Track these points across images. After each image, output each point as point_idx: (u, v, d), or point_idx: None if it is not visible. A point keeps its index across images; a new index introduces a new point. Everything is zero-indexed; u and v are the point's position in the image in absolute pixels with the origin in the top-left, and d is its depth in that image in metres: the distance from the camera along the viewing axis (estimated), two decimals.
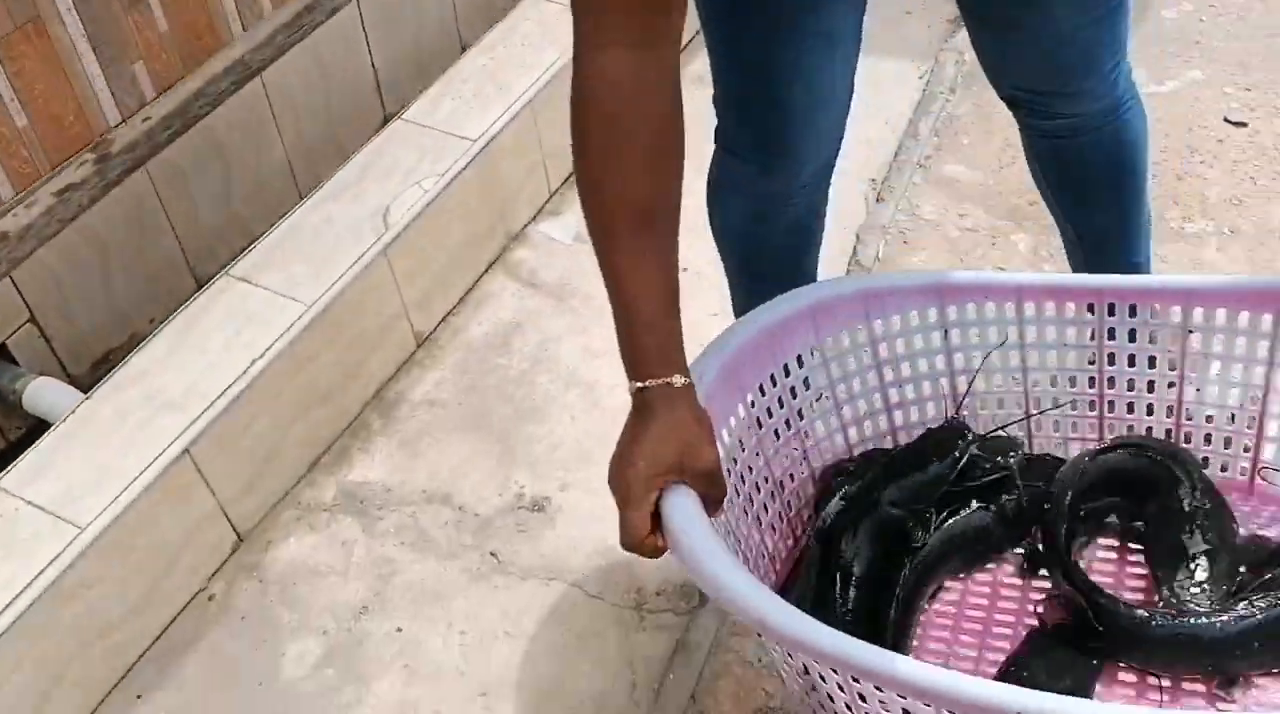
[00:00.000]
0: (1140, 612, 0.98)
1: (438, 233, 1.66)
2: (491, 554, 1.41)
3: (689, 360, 0.93)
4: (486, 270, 1.82)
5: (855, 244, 1.78)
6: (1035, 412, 1.15)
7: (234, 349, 1.39)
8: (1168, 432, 1.13)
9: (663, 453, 0.87)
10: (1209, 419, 1.12)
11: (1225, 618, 0.96)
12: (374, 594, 1.37)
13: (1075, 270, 1.38)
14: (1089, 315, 1.07)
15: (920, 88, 2.07)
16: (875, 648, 0.80)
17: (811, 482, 1.15)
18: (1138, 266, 1.35)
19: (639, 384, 0.88)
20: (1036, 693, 0.76)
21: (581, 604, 1.35)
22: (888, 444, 1.17)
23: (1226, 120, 1.93)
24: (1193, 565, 1.03)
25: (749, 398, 1.06)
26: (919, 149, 1.94)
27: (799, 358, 1.09)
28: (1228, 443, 1.12)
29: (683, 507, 0.88)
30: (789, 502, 1.13)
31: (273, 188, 1.76)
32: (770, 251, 1.33)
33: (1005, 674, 1.01)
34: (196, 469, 1.31)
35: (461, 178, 1.68)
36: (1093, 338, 1.10)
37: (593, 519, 1.44)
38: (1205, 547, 1.04)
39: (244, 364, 1.36)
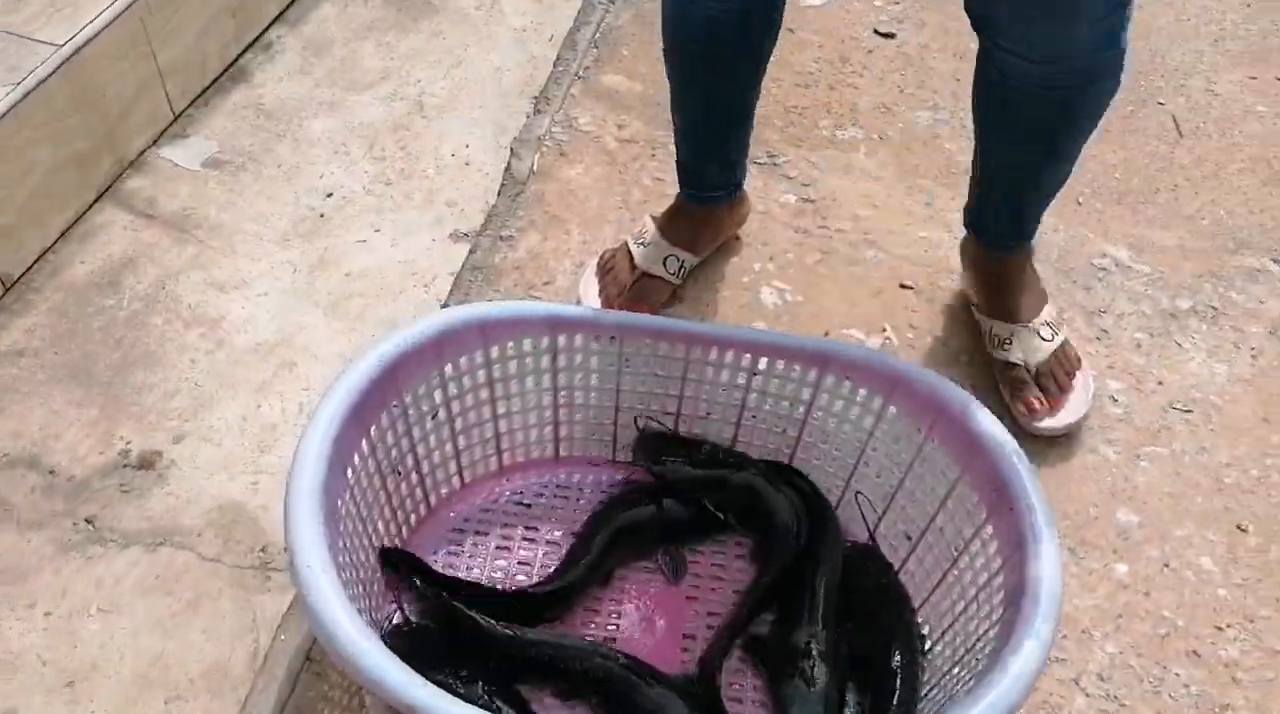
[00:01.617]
0: None
1: (17, 157, 1.41)
2: (87, 521, 1.21)
3: None
4: (95, 202, 1.58)
5: (510, 158, 1.66)
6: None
7: None
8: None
9: None
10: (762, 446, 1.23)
11: None
12: None
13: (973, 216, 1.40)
14: (676, 351, 1.16)
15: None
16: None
17: (420, 489, 1.15)
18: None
19: None
20: None
21: (194, 569, 1.17)
22: (492, 460, 1.21)
23: (876, 32, 1.93)
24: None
25: (371, 430, 1.04)
26: (577, 60, 1.84)
27: (419, 384, 1.09)
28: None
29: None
30: (398, 518, 1.14)
31: None
32: (687, 42, 1.31)
33: None
34: None
35: (44, 91, 1.43)
36: (676, 372, 1.18)
37: (211, 472, 1.26)
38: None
39: None
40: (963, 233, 1.50)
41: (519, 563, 1.14)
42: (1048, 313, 1.37)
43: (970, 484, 1.04)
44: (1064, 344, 1.36)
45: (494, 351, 1.10)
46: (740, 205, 1.51)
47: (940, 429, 1.07)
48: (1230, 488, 1.30)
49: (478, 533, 1.16)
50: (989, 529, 1.01)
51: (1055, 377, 1.33)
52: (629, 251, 1.44)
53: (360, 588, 0.98)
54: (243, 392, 1.35)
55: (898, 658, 1.05)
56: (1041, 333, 1.35)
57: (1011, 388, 1.34)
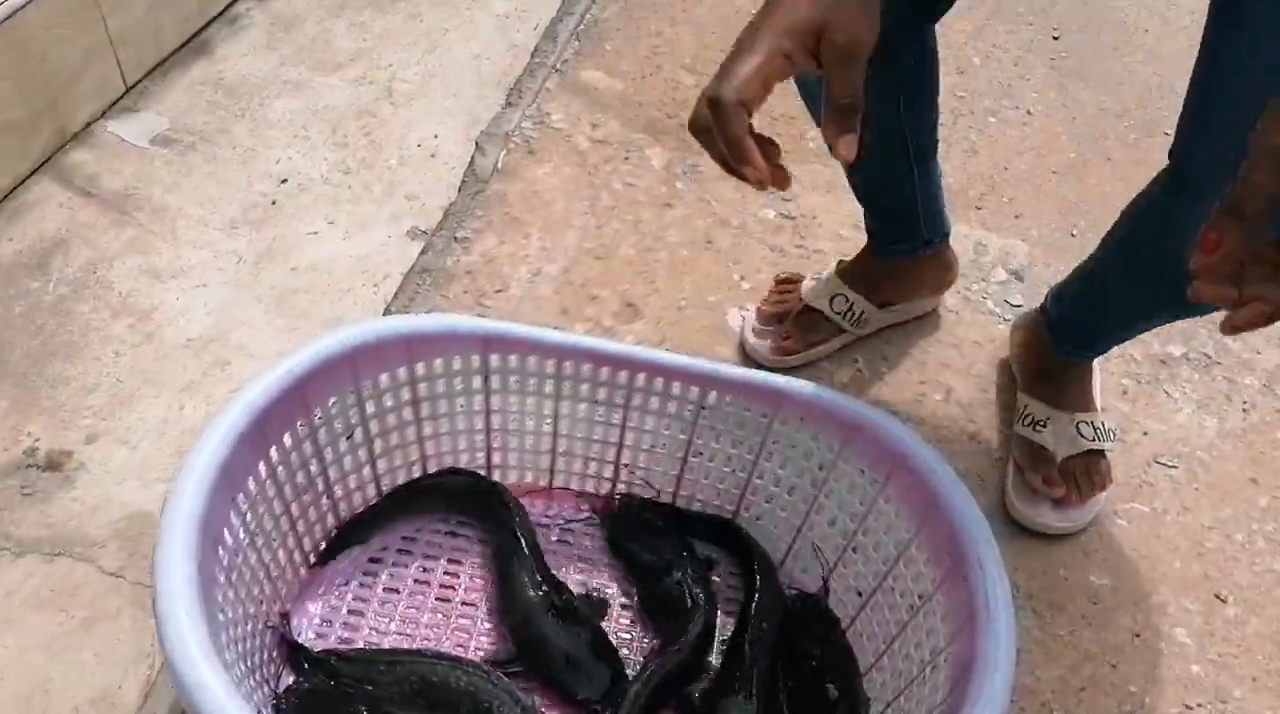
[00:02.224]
0: None
1: None
2: None
3: None
4: (30, 175, 1.50)
5: (474, 153, 1.57)
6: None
7: None
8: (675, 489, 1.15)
9: (802, 4, 0.71)
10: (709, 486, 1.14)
11: None
12: None
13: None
14: (620, 379, 1.06)
15: None
16: None
17: (333, 515, 1.06)
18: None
19: None
20: None
21: (94, 583, 1.09)
22: (416, 474, 1.12)
23: None
24: None
25: (272, 452, 0.94)
26: (556, 52, 1.75)
27: (332, 402, 0.99)
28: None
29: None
30: (304, 546, 1.04)
31: None
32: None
33: None
34: None
35: None
36: (619, 401, 1.09)
37: (123, 478, 1.18)
38: None
39: None
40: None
41: (437, 599, 1.05)
42: (1096, 416, 1.24)
43: (924, 545, 0.95)
44: (1103, 454, 1.23)
45: (420, 369, 1.02)
46: (935, 265, 1.35)
47: (898, 481, 0.98)
48: (1211, 553, 1.21)
49: (395, 564, 1.08)
50: (941, 596, 0.92)
51: (1078, 479, 1.20)
52: (801, 283, 1.37)
53: (249, 625, 0.89)
54: (167, 391, 1.27)
55: None
56: (1082, 430, 1.22)
57: (1029, 462, 1.22)
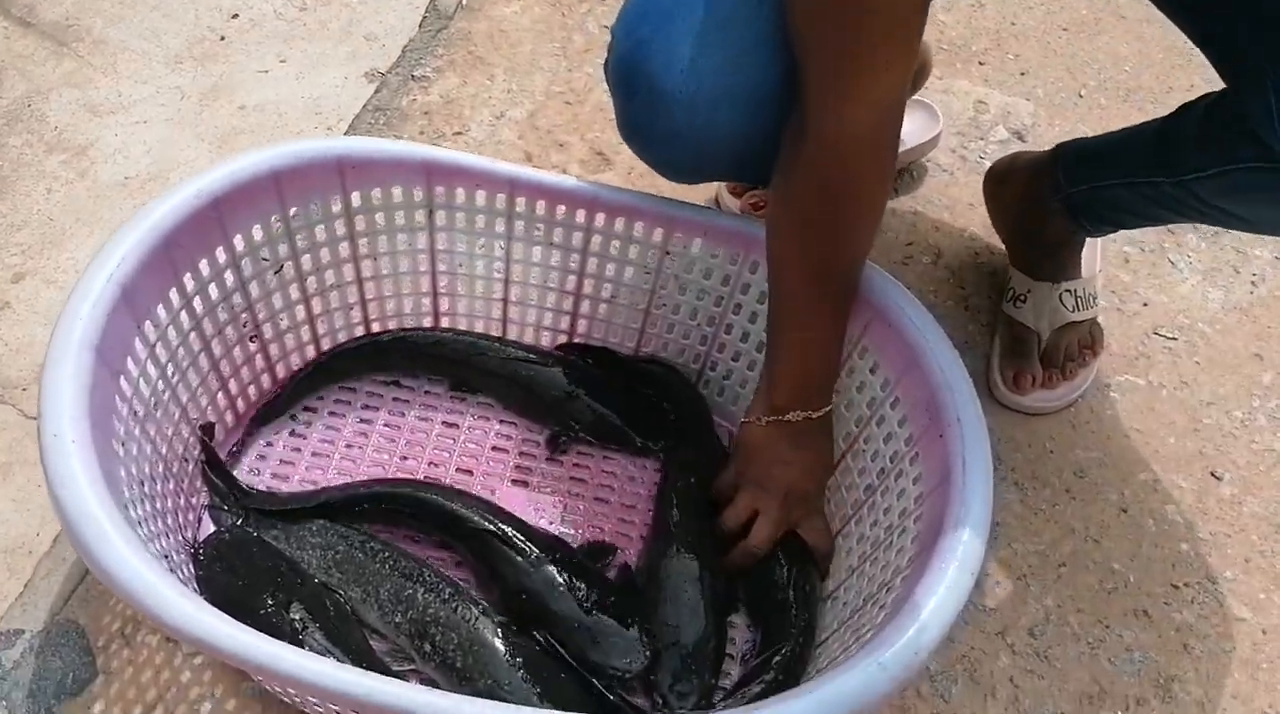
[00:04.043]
0: None
1: None
2: None
3: None
4: None
5: None
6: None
7: None
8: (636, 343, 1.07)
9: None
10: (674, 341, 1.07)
11: None
12: None
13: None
14: (578, 219, 0.97)
15: None
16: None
17: (262, 358, 0.98)
18: None
19: (818, 413, 0.91)
20: None
21: (13, 427, 1.02)
22: (357, 328, 1.03)
23: None
24: None
25: (186, 279, 0.85)
26: None
27: (255, 229, 0.90)
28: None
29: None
30: (230, 389, 0.96)
31: None
32: None
33: None
34: None
35: None
36: (577, 244, 1.00)
37: (50, 320, 1.10)
38: None
39: None
40: (947, 121, 1.31)
41: (374, 450, 0.98)
42: (1080, 283, 1.14)
43: (901, 402, 0.88)
44: (1091, 323, 1.14)
45: (355, 198, 0.92)
46: None
47: (875, 333, 0.90)
48: (1209, 429, 1.14)
49: (333, 413, 1.00)
50: (915, 454, 0.85)
51: (1067, 353, 1.12)
52: None
53: (162, 467, 0.82)
54: (100, 230, 1.18)
55: (794, 592, 0.91)
56: (1064, 299, 1.13)
57: (1006, 351, 1.14)
